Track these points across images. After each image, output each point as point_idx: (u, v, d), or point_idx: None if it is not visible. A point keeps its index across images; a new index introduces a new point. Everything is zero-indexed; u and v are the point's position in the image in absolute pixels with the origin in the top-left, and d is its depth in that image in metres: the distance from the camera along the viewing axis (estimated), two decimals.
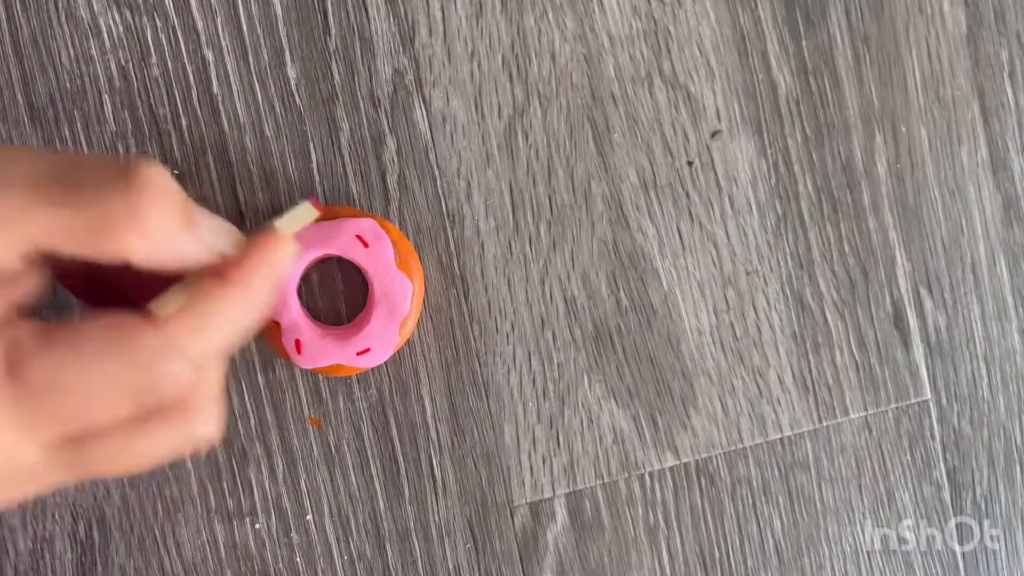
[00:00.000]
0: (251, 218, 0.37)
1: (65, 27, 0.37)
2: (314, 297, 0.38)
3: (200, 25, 0.37)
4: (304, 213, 0.28)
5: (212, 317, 0.25)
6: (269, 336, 0.36)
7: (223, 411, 0.27)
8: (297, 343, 0.36)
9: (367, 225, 0.36)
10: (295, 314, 0.36)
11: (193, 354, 0.25)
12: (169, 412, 0.25)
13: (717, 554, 0.39)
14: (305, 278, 0.38)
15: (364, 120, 0.38)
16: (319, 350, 0.36)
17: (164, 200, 0.24)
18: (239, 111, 0.37)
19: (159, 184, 0.24)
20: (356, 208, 0.37)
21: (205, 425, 0.26)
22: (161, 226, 0.24)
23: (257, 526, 0.38)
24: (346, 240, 0.35)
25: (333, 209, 0.36)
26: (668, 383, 0.39)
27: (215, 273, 0.26)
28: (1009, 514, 0.40)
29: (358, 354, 0.36)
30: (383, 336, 0.36)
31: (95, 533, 0.38)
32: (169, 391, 0.25)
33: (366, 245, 0.36)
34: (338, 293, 0.38)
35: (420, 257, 0.38)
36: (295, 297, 0.36)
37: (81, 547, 0.38)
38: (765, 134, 0.39)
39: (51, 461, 0.24)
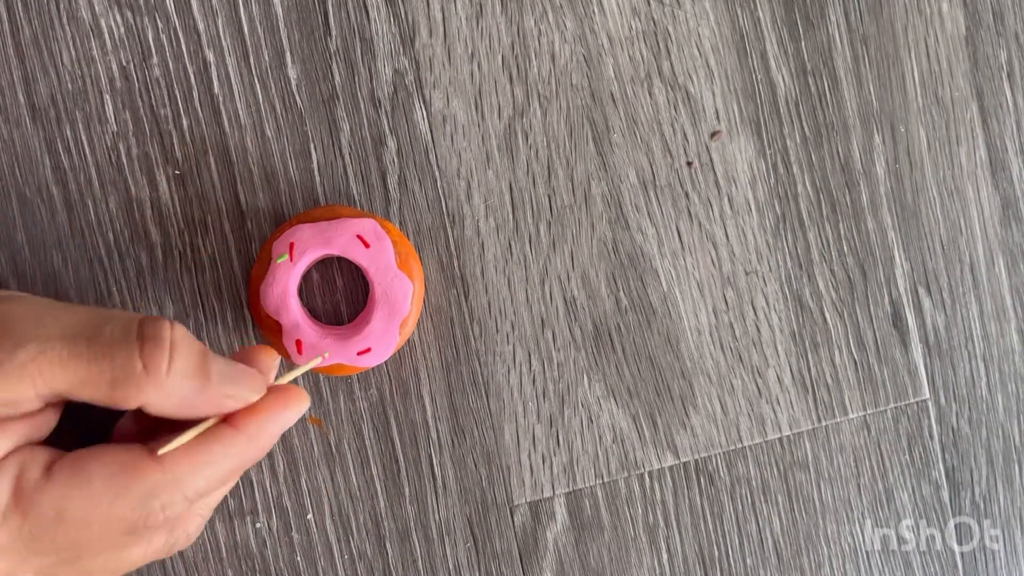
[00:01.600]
0: (252, 218, 0.38)
1: (66, 28, 0.37)
2: (314, 297, 0.38)
3: (201, 26, 0.37)
4: (313, 362, 0.32)
5: (215, 458, 0.27)
6: (270, 336, 0.36)
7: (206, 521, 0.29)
8: (298, 343, 0.36)
9: (368, 225, 0.36)
10: (295, 315, 0.36)
11: (191, 492, 0.26)
12: (158, 533, 0.27)
13: (716, 553, 0.39)
14: (305, 278, 0.38)
15: (364, 121, 0.38)
16: (320, 350, 0.36)
17: (179, 361, 0.26)
18: (240, 111, 0.37)
19: (176, 343, 0.26)
20: (357, 208, 0.37)
21: (188, 540, 0.28)
22: (177, 383, 0.26)
23: (258, 525, 0.38)
24: (347, 240, 0.36)
25: (334, 209, 0.36)
26: (668, 383, 0.39)
27: (228, 419, 0.27)
28: (1008, 514, 0.40)
29: (359, 354, 0.36)
30: (384, 336, 0.36)
31: None
32: (163, 523, 0.26)
33: (367, 245, 0.36)
34: (338, 293, 0.38)
35: (420, 257, 0.38)
36: (295, 298, 0.36)
37: None
38: (764, 134, 0.39)
39: None
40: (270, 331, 0.36)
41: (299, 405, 0.29)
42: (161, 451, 0.26)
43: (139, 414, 0.28)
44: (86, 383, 0.25)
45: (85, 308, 0.27)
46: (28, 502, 0.25)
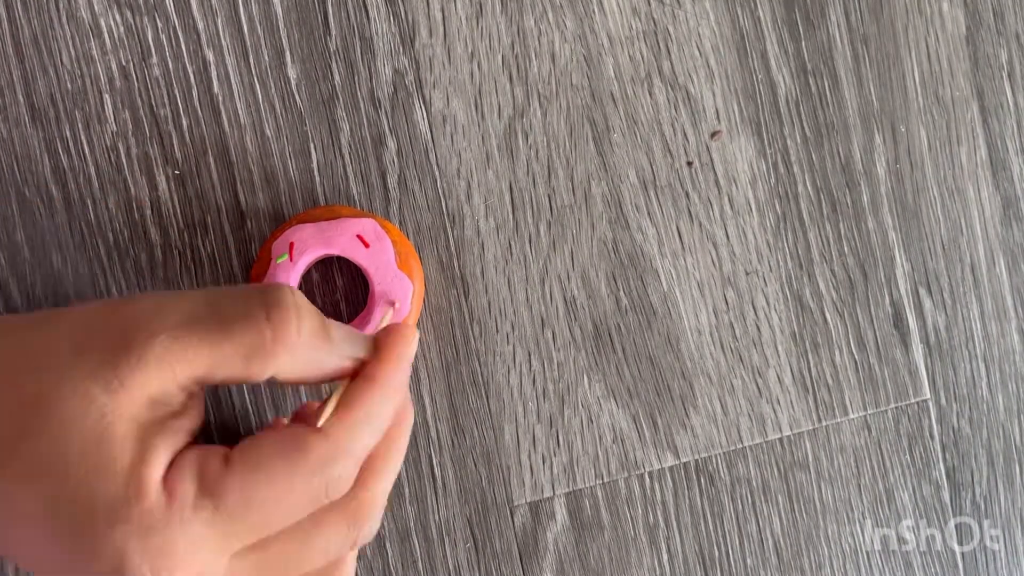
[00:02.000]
0: (252, 218, 0.38)
1: (66, 27, 0.37)
2: (314, 297, 0.38)
3: (201, 25, 0.37)
4: (390, 313, 0.34)
5: (367, 416, 0.28)
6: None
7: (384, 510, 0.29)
8: None
9: (368, 225, 0.36)
10: None
11: (357, 452, 0.27)
12: (338, 512, 0.28)
13: (717, 553, 0.39)
14: (305, 278, 0.38)
15: (364, 120, 0.38)
16: None
17: (305, 321, 0.26)
18: (240, 111, 0.37)
19: (299, 306, 0.27)
20: (356, 208, 0.37)
21: (370, 523, 0.29)
22: (305, 346, 0.26)
23: None
24: (346, 240, 0.36)
25: (333, 209, 0.36)
26: (668, 383, 0.39)
27: (359, 374, 0.28)
28: (1008, 514, 0.40)
29: None
30: None
31: None
32: (340, 490, 0.27)
33: (367, 245, 0.36)
34: (338, 293, 0.38)
35: (420, 257, 0.38)
36: None
37: None
38: (764, 134, 0.39)
39: (235, 571, 0.26)
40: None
41: (411, 338, 0.30)
42: (320, 422, 0.27)
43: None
44: (221, 362, 0.25)
45: (202, 291, 0.27)
46: (215, 492, 0.25)
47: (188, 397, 0.26)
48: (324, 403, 0.28)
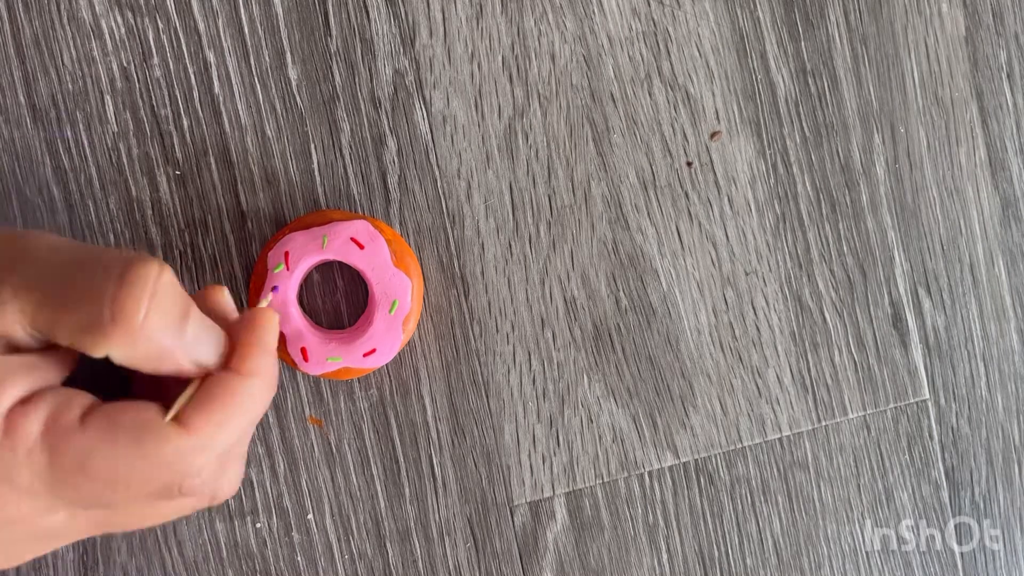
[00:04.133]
0: (252, 219, 0.38)
1: (67, 28, 0.37)
2: (315, 299, 0.38)
3: (201, 26, 0.37)
4: (266, 299, 0.31)
5: (236, 408, 0.26)
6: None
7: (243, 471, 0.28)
8: (303, 351, 0.36)
9: (360, 227, 0.36)
10: (297, 323, 0.36)
11: (221, 448, 0.26)
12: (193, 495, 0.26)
13: (716, 553, 0.39)
14: (305, 281, 0.38)
15: (365, 121, 0.38)
16: (325, 356, 0.36)
17: (157, 310, 0.24)
18: (240, 112, 0.38)
19: (156, 292, 0.24)
20: (347, 211, 0.37)
21: (225, 492, 0.27)
22: (147, 338, 0.24)
23: (258, 525, 0.38)
24: (341, 244, 0.36)
25: (325, 214, 0.36)
26: (667, 383, 0.39)
27: (225, 366, 0.26)
28: (1008, 514, 0.40)
29: (364, 355, 0.36)
30: (387, 335, 0.36)
31: None
32: (196, 487, 0.26)
33: (361, 247, 0.36)
34: (338, 293, 0.38)
35: (421, 257, 0.38)
36: (296, 306, 0.36)
37: (83, 546, 0.38)
38: (764, 135, 0.39)
39: (75, 523, 0.25)
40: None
41: (272, 323, 0.28)
42: (170, 413, 0.25)
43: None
44: (56, 326, 0.24)
45: (74, 247, 0.26)
46: (56, 444, 0.24)
47: (47, 346, 0.25)
48: (183, 386, 0.26)
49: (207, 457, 0.25)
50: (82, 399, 0.25)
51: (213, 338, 0.27)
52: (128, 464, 0.24)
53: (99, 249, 0.25)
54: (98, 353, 0.24)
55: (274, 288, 0.35)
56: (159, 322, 0.24)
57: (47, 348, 0.25)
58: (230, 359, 0.27)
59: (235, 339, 0.27)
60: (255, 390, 0.26)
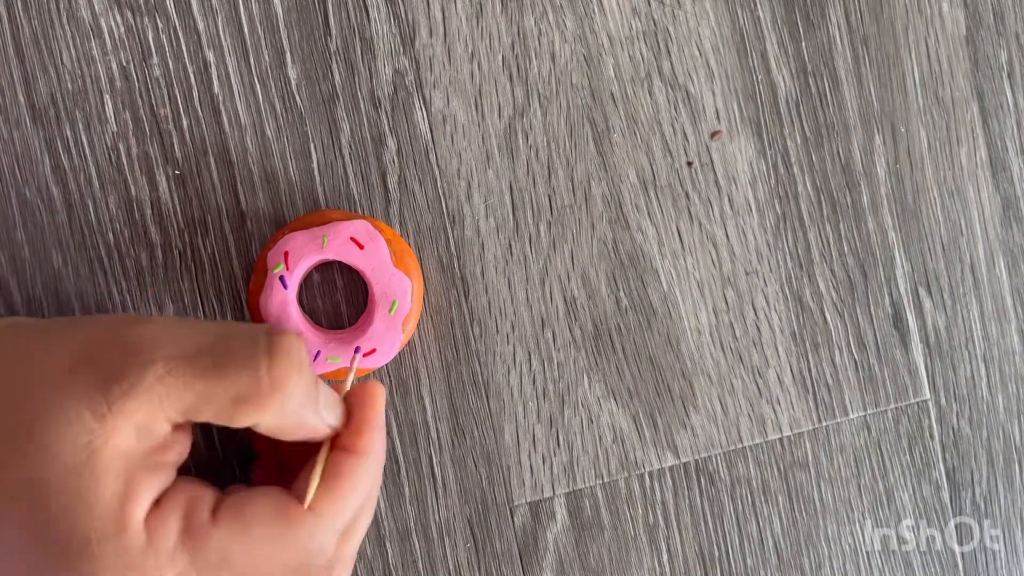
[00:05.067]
0: (252, 218, 0.38)
1: (66, 27, 0.37)
2: (315, 299, 0.38)
3: (201, 26, 0.37)
4: (355, 364, 0.32)
5: (352, 487, 0.27)
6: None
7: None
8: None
9: (360, 226, 0.36)
10: (298, 323, 0.36)
11: (340, 525, 0.27)
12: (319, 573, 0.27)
13: (716, 553, 0.39)
14: (305, 280, 0.38)
15: (364, 121, 0.38)
16: (325, 356, 0.36)
17: (303, 378, 0.26)
18: (240, 111, 0.37)
19: (299, 359, 0.26)
20: (347, 211, 0.37)
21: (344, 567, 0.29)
22: (295, 404, 0.26)
23: None
24: (340, 243, 0.36)
25: (324, 214, 0.36)
26: (668, 383, 0.39)
27: (342, 446, 0.28)
28: (1008, 514, 0.40)
29: (365, 356, 0.36)
30: (387, 335, 0.36)
31: None
32: (320, 564, 0.27)
33: (361, 247, 0.36)
34: (338, 293, 0.38)
35: (420, 257, 0.38)
36: (295, 306, 0.36)
37: None
38: (764, 135, 0.39)
39: None
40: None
41: (381, 399, 0.29)
42: (307, 502, 0.26)
43: (270, 450, 0.28)
44: (210, 401, 0.25)
45: (213, 323, 0.27)
46: (195, 544, 0.25)
47: (174, 429, 0.26)
48: (308, 473, 0.27)
49: (330, 536, 0.27)
50: (208, 494, 0.26)
51: (336, 401, 0.28)
52: (264, 552, 0.25)
53: (233, 324, 0.27)
54: (247, 422, 0.25)
55: (357, 349, 0.35)
56: (304, 389, 0.26)
57: (167, 437, 0.26)
58: (345, 437, 0.28)
59: (350, 412, 0.29)
60: (371, 467, 0.28)
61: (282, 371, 0.25)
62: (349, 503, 0.27)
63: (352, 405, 0.29)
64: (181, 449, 0.27)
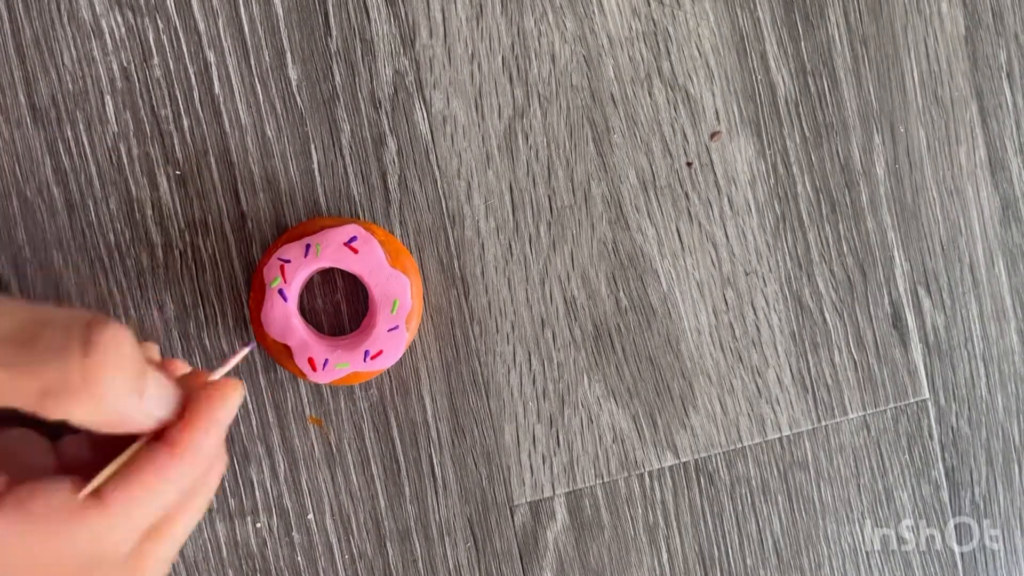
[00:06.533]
0: (252, 219, 0.38)
1: (67, 28, 0.37)
2: (316, 301, 0.38)
3: (202, 26, 0.37)
4: (240, 354, 0.30)
5: (156, 486, 0.25)
6: (282, 359, 0.36)
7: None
8: (310, 361, 0.36)
9: (351, 231, 0.36)
10: (301, 334, 0.36)
11: (142, 525, 0.25)
12: (117, 569, 0.25)
13: (716, 553, 0.39)
14: (303, 294, 0.38)
15: (365, 121, 0.38)
16: (333, 363, 0.36)
17: (120, 369, 0.24)
18: (240, 112, 0.38)
19: (118, 352, 0.24)
20: (338, 217, 0.37)
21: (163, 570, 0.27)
22: (112, 396, 0.24)
23: (258, 525, 0.38)
24: (334, 250, 0.36)
25: (315, 222, 0.36)
26: (667, 383, 0.39)
27: (160, 436, 0.26)
28: (1008, 514, 0.40)
29: (372, 358, 0.36)
30: (392, 336, 0.36)
31: None
32: (113, 561, 0.25)
33: (355, 251, 0.36)
34: (339, 295, 0.38)
35: (420, 258, 0.38)
36: (298, 317, 0.36)
37: None
38: (764, 135, 0.39)
39: None
40: (280, 355, 0.36)
41: (228, 402, 0.27)
42: (85, 491, 0.24)
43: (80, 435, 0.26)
44: (12, 392, 0.23)
45: (26, 308, 0.25)
46: None
47: None
48: (107, 460, 0.25)
49: (126, 534, 0.25)
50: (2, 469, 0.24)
51: (169, 393, 0.26)
52: (46, 547, 0.24)
53: (50, 311, 0.25)
54: (59, 416, 0.24)
55: (248, 344, 0.33)
56: (124, 382, 0.24)
57: None
58: (169, 430, 0.26)
59: (187, 405, 0.26)
60: (184, 468, 0.26)
61: (97, 365, 0.23)
62: (149, 499, 0.25)
63: (193, 400, 0.27)
64: None
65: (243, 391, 0.27)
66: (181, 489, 0.26)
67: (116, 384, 0.24)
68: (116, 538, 0.25)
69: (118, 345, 0.24)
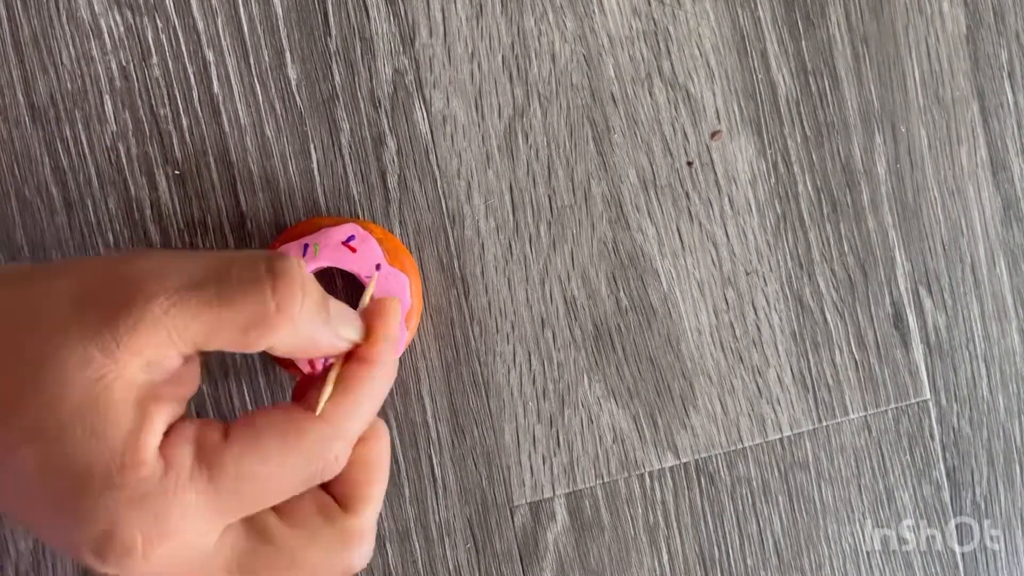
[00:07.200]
0: (251, 219, 0.38)
1: (66, 27, 0.37)
2: None
3: (201, 26, 0.37)
4: (373, 282, 0.32)
5: (364, 397, 0.28)
6: (284, 363, 0.36)
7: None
8: (311, 363, 0.36)
9: (349, 230, 0.36)
10: None
11: (352, 434, 0.28)
12: (334, 531, 0.28)
13: (717, 554, 0.39)
14: None
15: (364, 121, 0.38)
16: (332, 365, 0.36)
17: (309, 295, 0.26)
18: (240, 111, 0.37)
19: (304, 281, 0.26)
20: (335, 217, 0.37)
21: (364, 546, 0.29)
22: (306, 321, 0.26)
23: None
24: (332, 250, 0.35)
25: (313, 222, 0.36)
26: (668, 383, 0.39)
27: (354, 355, 0.28)
28: (1009, 514, 0.40)
29: None
30: None
31: None
32: (334, 471, 0.27)
33: (353, 250, 0.36)
34: (339, 295, 0.38)
35: (420, 257, 0.38)
36: None
37: None
38: (765, 134, 0.39)
39: (225, 544, 0.26)
40: (284, 358, 0.36)
41: (396, 312, 0.29)
42: (319, 410, 0.27)
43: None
44: (219, 329, 0.25)
45: (209, 253, 0.27)
46: (211, 463, 0.25)
47: (185, 362, 0.26)
48: (321, 383, 0.28)
49: (343, 444, 0.27)
50: (218, 423, 0.26)
51: (352, 315, 0.29)
52: (278, 461, 0.26)
53: (228, 252, 0.27)
54: (261, 347, 0.26)
55: (378, 266, 0.35)
56: (312, 306, 0.26)
57: (177, 369, 0.26)
58: (359, 348, 0.28)
59: (367, 325, 0.29)
60: (380, 378, 0.28)
61: (288, 290, 0.25)
62: (359, 411, 0.27)
63: (367, 319, 0.29)
64: (191, 382, 0.27)
65: (400, 306, 0.30)
66: (379, 399, 0.28)
67: (307, 308, 0.26)
68: (335, 448, 0.27)
69: (300, 273, 0.26)
